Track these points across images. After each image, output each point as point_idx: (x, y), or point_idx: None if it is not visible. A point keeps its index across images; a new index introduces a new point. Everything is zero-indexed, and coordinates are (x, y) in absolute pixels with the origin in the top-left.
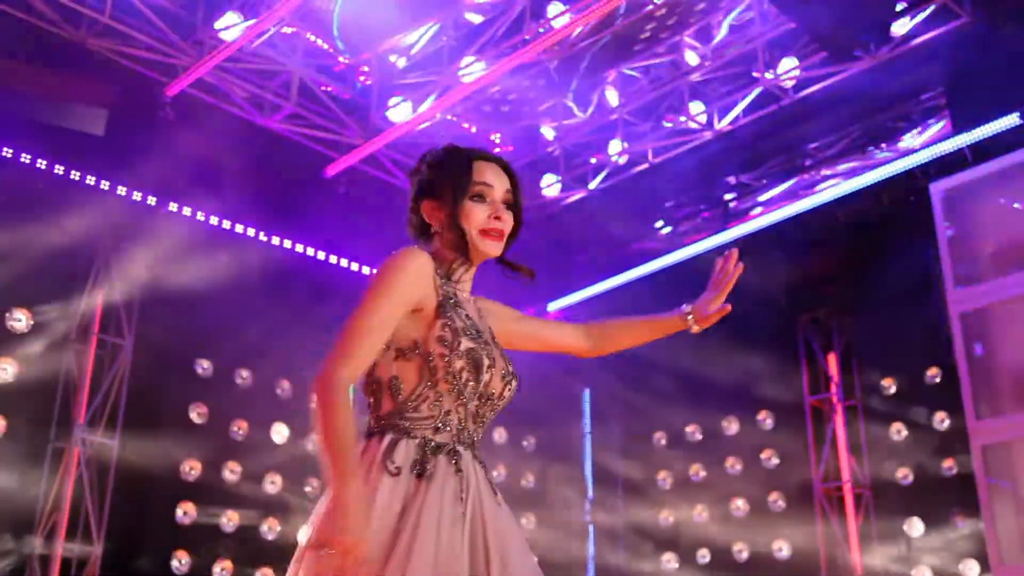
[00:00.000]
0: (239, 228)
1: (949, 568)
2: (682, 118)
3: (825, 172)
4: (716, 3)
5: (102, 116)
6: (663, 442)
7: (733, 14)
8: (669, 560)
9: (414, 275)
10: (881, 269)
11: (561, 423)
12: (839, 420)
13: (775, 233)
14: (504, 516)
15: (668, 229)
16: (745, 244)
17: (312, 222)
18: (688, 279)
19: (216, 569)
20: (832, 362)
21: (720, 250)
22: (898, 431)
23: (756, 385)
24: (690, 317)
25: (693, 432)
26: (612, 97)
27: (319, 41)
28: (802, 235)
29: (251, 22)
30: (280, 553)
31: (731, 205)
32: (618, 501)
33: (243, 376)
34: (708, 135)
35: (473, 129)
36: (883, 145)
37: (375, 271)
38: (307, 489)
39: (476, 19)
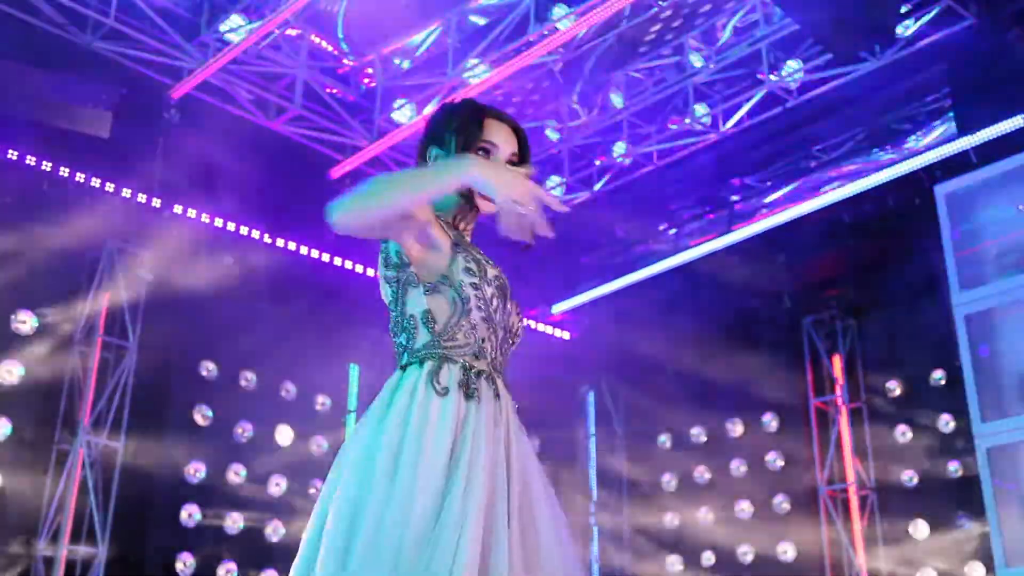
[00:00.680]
0: (243, 230)
1: (954, 570)
2: (687, 120)
3: (830, 174)
4: (721, 5)
5: (107, 118)
6: (667, 444)
7: (738, 16)
8: (673, 562)
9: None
10: (886, 271)
11: (565, 425)
12: (844, 422)
13: (780, 235)
14: (528, 450)
15: (673, 231)
16: (750, 246)
17: (317, 224)
18: (693, 281)
19: (220, 571)
20: (837, 364)
21: (725, 252)
22: (903, 433)
23: (761, 387)
24: None
25: (698, 434)
26: (617, 99)
27: (324, 43)
28: (807, 237)
29: (256, 24)
30: (284, 555)
31: (736, 207)
32: (622, 503)
33: (248, 378)
34: (713, 137)
35: None
36: (888, 147)
37: None
38: (311, 491)
39: (480, 21)
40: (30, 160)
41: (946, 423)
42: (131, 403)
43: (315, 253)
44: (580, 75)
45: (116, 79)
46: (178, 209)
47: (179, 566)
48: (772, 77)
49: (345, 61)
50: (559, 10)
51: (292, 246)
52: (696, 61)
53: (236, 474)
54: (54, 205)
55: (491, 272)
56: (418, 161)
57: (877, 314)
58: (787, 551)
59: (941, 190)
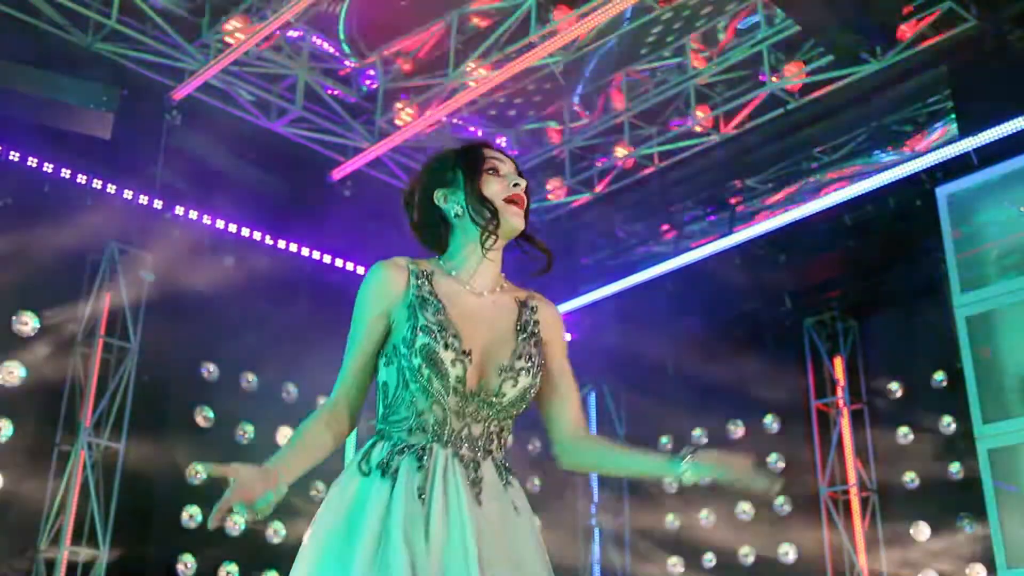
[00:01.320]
0: (245, 231)
1: (956, 572)
2: (688, 122)
3: (831, 176)
4: (722, 7)
5: (108, 120)
6: (669, 446)
7: (739, 18)
8: (675, 564)
9: (373, 293)
10: (887, 273)
11: None
12: (845, 424)
13: (781, 237)
14: (503, 522)
15: (674, 233)
16: (751, 248)
17: (318, 225)
18: (694, 283)
19: (222, 572)
20: (838, 366)
21: (726, 253)
22: (904, 435)
23: (762, 388)
24: (686, 462)
25: (699, 436)
26: (618, 101)
27: (325, 45)
28: (808, 239)
29: (257, 26)
30: (286, 556)
31: (737, 208)
32: (623, 504)
33: (249, 380)
34: (714, 139)
35: (479, 132)
36: (889, 149)
37: None
38: (312, 493)
39: (482, 23)
40: (31, 161)
41: (947, 424)
42: (132, 404)
43: (316, 254)
44: (581, 77)
45: (117, 80)
46: (179, 210)
47: (180, 567)
48: (773, 79)
49: (346, 62)
50: (560, 12)
51: (293, 247)
52: (697, 63)
53: None
54: (55, 206)
55: (420, 341)
56: (417, 216)
57: (878, 316)
58: (788, 553)
59: (942, 192)
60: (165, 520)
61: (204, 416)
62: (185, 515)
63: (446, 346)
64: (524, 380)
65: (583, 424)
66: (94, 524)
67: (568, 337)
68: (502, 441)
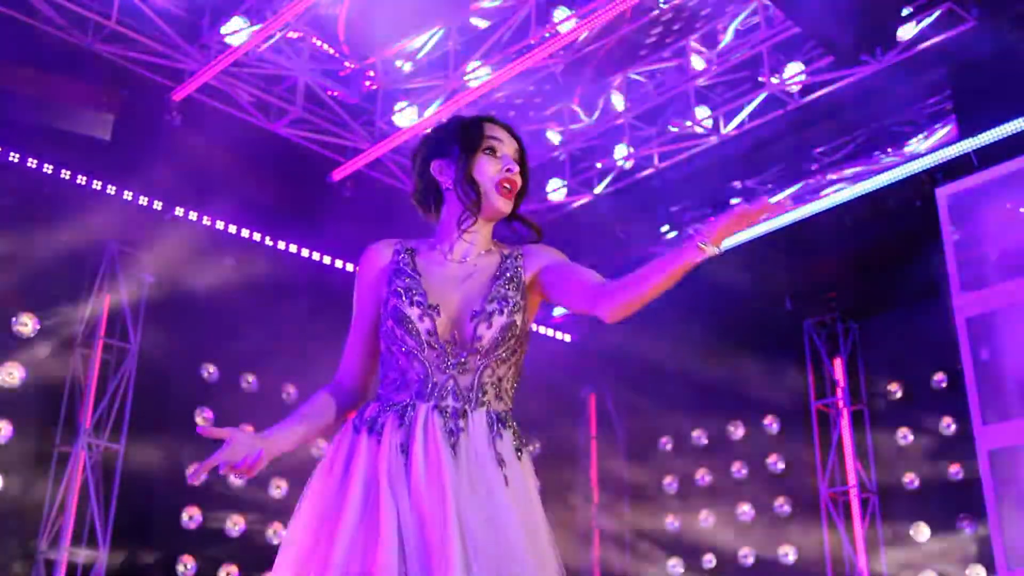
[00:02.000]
0: (244, 232)
1: (955, 573)
2: (688, 123)
3: (831, 176)
4: (722, 8)
5: (108, 121)
6: (669, 447)
7: (739, 19)
8: (675, 565)
9: (363, 279)
10: (887, 274)
11: (566, 428)
12: (845, 425)
13: (781, 237)
14: (479, 473)
15: (674, 234)
16: (751, 248)
17: (318, 227)
18: (694, 283)
19: (221, 573)
20: (838, 367)
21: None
22: (904, 436)
23: (762, 390)
24: (703, 243)
25: (699, 437)
26: (618, 102)
27: (325, 46)
28: (808, 239)
29: (257, 27)
30: None
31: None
32: (623, 506)
33: (248, 381)
34: (714, 140)
35: None
36: (889, 150)
37: None
38: None
39: (482, 24)
40: (31, 162)
41: (947, 426)
42: (132, 405)
43: (316, 255)
44: (581, 78)
45: (117, 81)
46: (179, 211)
47: (180, 568)
48: (773, 80)
49: (346, 64)
50: (560, 13)
51: (293, 248)
52: (697, 64)
53: (237, 476)
54: (55, 207)
55: (391, 303)
56: (416, 183)
57: (878, 316)
58: (788, 554)
59: (942, 192)
60: (165, 521)
61: (204, 416)
62: (185, 516)
63: (411, 303)
64: (499, 319)
65: (602, 279)
66: (94, 525)
67: (564, 257)
68: (500, 391)
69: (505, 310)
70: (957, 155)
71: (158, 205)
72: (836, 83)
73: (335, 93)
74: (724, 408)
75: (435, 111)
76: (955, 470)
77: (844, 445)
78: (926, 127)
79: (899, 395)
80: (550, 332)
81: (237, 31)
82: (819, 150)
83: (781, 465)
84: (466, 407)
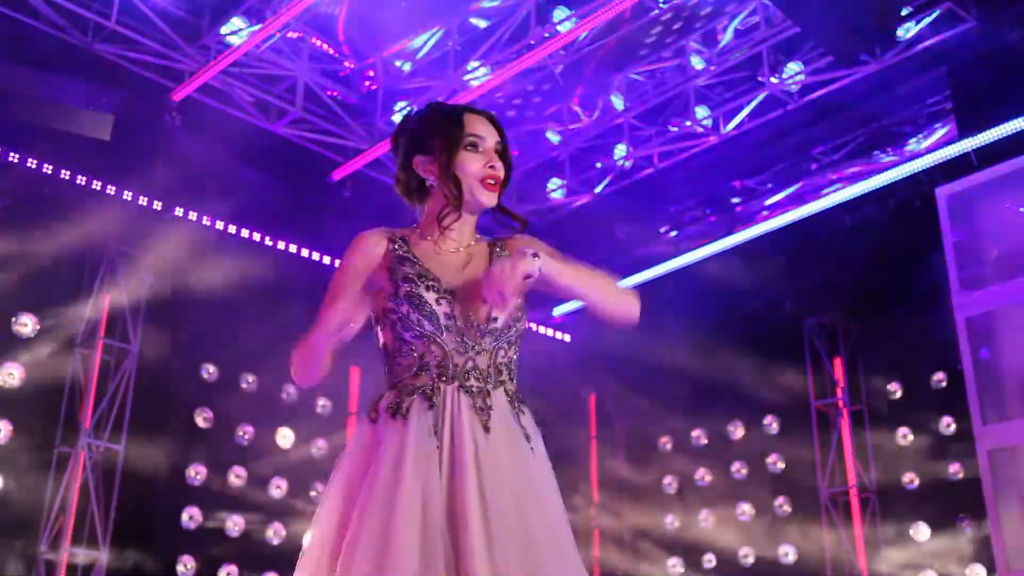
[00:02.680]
0: (244, 233)
1: (956, 573)
2: (688, 122)
3: (831, 176)
4: (721, 7)
5: (108, 121)
6: (669, 446)
7: (739, 18)
8: (675, 565)
9: (359, 253)
10: (887, 273)
11: (567, 427)
12: (845, 425)
13: (781, 237)
14: (512, 448)
15: (674, 233)
16: (751, 248)
17: (317, 226)
18: (694, 283)
19: (221, 574)
20: (838, 367)
21: (726, 254)
22: (904, 436)
23: (762, 390)
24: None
25: (699, 437)
26: (617, 101)
27: (325, 46)
28: (808, 239)
29: (257, 27)
30: (285, 558)
31: (737, 209)
32: (623, 505)
33: (248, 380)
34: (714, 139)
35: None
36: (889, 149)
37: None
38: (312, 494)
39: (482, 24)
40: (31, 163)
41: (947, 425)
42: (132, 405)
43: (315, 255)
44: (581, 77)
45: (117, 82)
46: (179, 212)
47: (180, 568)
48: (773, 79)
49: (346, 64)
50: (560, 13)
51: (293, 248)
52: (697, 63)
53: (237, 476)
54: (55, 208)
55: (403, 290)
56: (398, 176)
57: (878, 316)
58: (788, 554)
59: (942, 192)
60: (165, 521)
61: (204, 417)
62: (185, 516)
63: (427, 288)
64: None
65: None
66: (94, 525)
67: (551, 249)
68: (511, 373)
69: None
70: (957, 155)
71: (158, 205)
72: (836, 83)
73: (335, 93)
74: (724, 408)
75: None
76: (955, 470)
77: (844, 445)
78: (926, 127)
79: (899, 395)
80: (550, 332)
81: (237, 31)
82: (819, 150)
83: (781, 465)
84: (487, 387)
